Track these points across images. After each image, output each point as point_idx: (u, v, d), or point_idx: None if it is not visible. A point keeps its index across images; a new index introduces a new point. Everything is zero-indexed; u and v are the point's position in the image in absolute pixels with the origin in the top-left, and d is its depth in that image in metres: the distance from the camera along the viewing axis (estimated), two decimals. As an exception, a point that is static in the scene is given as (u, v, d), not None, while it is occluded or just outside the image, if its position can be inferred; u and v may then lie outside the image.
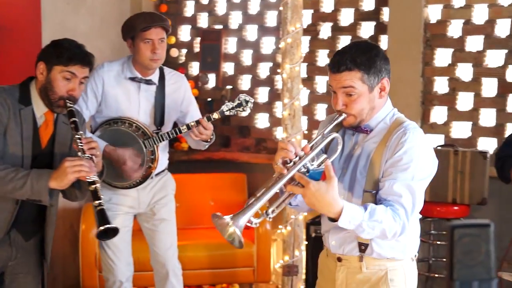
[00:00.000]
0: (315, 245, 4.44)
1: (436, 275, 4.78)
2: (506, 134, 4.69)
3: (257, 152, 5.51)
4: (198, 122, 3.57)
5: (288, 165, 2.28)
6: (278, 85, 5.40)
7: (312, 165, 2.32)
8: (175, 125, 3.86)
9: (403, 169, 2.33)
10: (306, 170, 2.30)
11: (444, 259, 4.70)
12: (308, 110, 5.30)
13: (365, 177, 2.41)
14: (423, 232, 4.77)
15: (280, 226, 4.61)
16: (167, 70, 3.87)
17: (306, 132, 5.18)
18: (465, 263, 1.21)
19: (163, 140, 3.68)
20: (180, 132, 3.65)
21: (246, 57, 5.66)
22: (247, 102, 3.61)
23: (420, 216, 2.56)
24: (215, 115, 3.57)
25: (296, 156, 2.29)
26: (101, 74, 3.70)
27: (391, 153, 2.37)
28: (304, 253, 4.66)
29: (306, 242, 4.70)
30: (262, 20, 5.55)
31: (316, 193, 2.21)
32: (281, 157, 2.29)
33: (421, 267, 4.76)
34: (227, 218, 2.21)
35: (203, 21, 5.81)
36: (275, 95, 5.46)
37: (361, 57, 2.37)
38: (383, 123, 2.46)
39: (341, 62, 2.37)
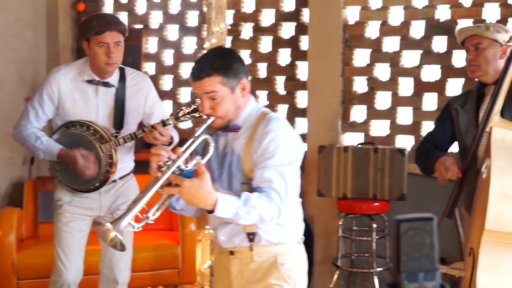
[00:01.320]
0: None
1: (359, 270, 4.90)
2: (422, 132, 4.87)
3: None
4: (153, 127, 3.53)
5: (163, 168, 2.38)
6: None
7: (187, 167, 2.43)
8: (142, 126, 3.79)
9: (271, 156, 2.50)
10: (180, 172, 2.41)
11: (367, 254, 4.83)
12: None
13: (240, 171, 2.56)
14: (345, 228, 4.89)
15: (207, 227, 4.60)
16: (128, 71, 3.81)
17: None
18: (411, 255, 1.27)
19: (120, 144, 3.63)
20: (136, 137, 3.61)
21: (168, 57, 5.63)
22: None
23: (300, 199, 2.73)
24: (170, 121, 3.53)
25: (169, 160, 2.40)
26: (57, 78, 3.64)
27: (259, 144, 2.53)
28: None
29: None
30: (183, 19, 5.54)
31: (191, 189, 2.33)
32: (155, 162, 2.38)
33: (344, 262, 4.87)
34: (108, 224, 2.31)
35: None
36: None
37: (218, 61, 2.53)
38: (251, 118, 2.63)
39: (200, 69, 2.52)
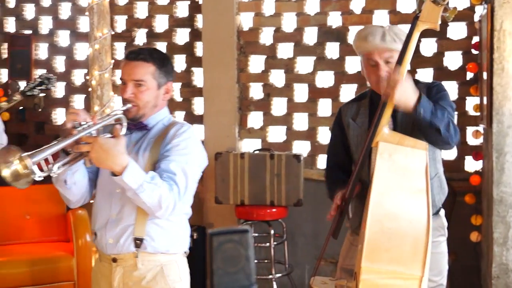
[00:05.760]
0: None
1: (259, 277, 4.88)
2: (318, 137, 4.92)
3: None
4: None
5: (78, 128, 2.37)
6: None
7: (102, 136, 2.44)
8: None
9: (180, 154, 2.52)
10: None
11: (266, 260, 4.83)
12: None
13: (144, 165, 2.53)
14: (243, 235, 4.89)
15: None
16: None
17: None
18: (226, 270, 1.23)
19: None
20: None
21: (59, 63, 5.47)
22: (49, 79, 3.47)
23: (190, 213, 2.69)
24: (16, 97, 3.40)
25: (85, 123, 2.39)
26: None
27: (170, 141, 2.55)
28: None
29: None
30: (74, 25, 5.38)
31: (105, 145, 2.34)
32: (71, 121, 2.38)
33: (243, 269, 4.86)
34: (23, 153, 2.25)
35: (10, 25, 5.51)
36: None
37: (157, 54, 2.63)
38: (161, 124, 2.64)
39: (139, 52, 2.60)
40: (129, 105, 2.55)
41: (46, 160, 2.31)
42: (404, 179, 2.56)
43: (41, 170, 2.30)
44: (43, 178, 2.30)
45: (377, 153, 2.61)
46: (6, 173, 2.25)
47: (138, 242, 2.55)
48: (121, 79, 2.60)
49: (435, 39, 4.64)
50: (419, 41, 4.57)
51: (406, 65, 2.67)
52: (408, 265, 2.46)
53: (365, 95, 3.03)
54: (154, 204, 2.44)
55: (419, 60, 4.66)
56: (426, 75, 4.68)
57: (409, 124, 2.79)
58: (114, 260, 2.59)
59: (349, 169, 2.99)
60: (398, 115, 2.81)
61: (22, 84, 5.38)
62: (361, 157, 2.75)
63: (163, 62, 2.61)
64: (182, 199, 2.53)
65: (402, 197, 2.54)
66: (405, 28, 2.79)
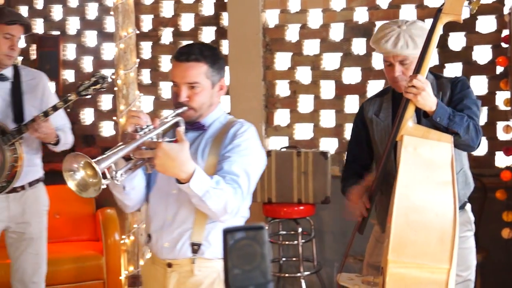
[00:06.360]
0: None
1: (287, 275, 4.88)
2: (345, 134, 4.88)
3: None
4: (33, 120, 3.41)
5: (139, 133, 2.25)
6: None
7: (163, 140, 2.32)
8: None
9: (242, 154, 2.39)
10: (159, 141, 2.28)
11: (294, 258, 4.81)
12: (153, 117, 5.21)
13: (204, 167, 2.40)
14: (272, 233, 4.87)
15: (123, 236, 4.51)
16: (21, 67, 3.74)
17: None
18: (241, 267, 1.20)
19: (21, 133, 3.47)
20: (21, 131, 3.46)
21: (87, 63, 5.50)
22: (103, 78, 3.45)
23: (248, 216, 2.55)
24: (72, 97, 3.41)
25: (147, 127, 2.27)
26: None
27: (230, 141, 2.42)
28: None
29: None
30: (101, 25, 5.42)
31: (170, 152, 2.20)
32: (132, 124, 2.27)
33: (272, 267, 4.84)
34: (91, 159, 2.12)
35: (38, 27, 5.57)
36: (118, 102, 5.34)
37: (208, 52, 2.44)
38: (218, 122, 2.52)
39: (190, 52, 2.42)
40: (185, 108, 2.42)
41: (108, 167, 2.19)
42: (429, 172, 2.55)
43: (105, 177, 2.17)
44: (105, 186, 2.18)
45: (401, 147, 2.59)
46: (72, 183, 2.16)
47: (196, 248, 2.42)
48: (172, 81, 2.46)
49: (463, 33, 4.57)
50: (447, 35, 4.55)
51: (429, 60, 2.67)
52: (435, 257, 2.44)
53: (387, 90, 3.04)
54: (220, 209, 2.32)
55: (447, 55, 4.59)
56: (454, 69, 4.61)
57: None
58: (169, 265, 2.46)
59: (369, 164, 3.01)
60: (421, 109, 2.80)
61: (51, 85, 5.44)
62: (386, 151, 2.75)
63: (214, 59, 2.45)
64: (244, 201, 2.41)
65: (428, 190, 2.52)
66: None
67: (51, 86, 5.44)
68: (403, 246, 2.44)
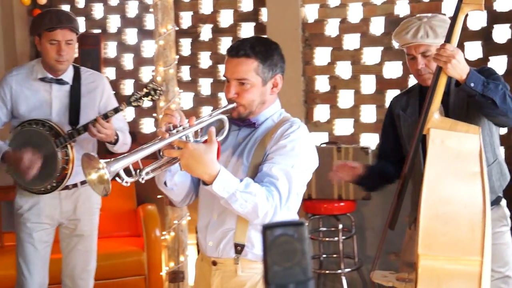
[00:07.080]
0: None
1: (328, 272, 4.85)
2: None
3: (144, 157, 5.38)
4: (95, 121, 3.44)
5: (171, 131, 2.25)
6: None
7: (197, 141, 2.30)
8: None
9: (285, 156, 2.33)
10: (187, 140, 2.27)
11: (335, 255, 4.78)
12: (193, 114, 5.22)
13: (248, 167, 2.39)
14: (312, 229, 4.84)
15: (164, 232, 4.54)
16: (84, 69, 3.77)
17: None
18: (281, 264, 1.17)
19: (74, 137, 3.52)
20: (79, 132, 3.51)
21: (127, 61, 5.54)
22: (155, 90, 3.47)
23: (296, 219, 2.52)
24: (122, 107, 3.44)
25: (180, 126, 2.26)
26: (9, 80, 3.62)
27: (275, 142, 2.37)
28: (190, 259, 4.61)
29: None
30: (141, 23, 5.45)
31: (194, 152, 2.19)
32: (165, 123, 2.26)
33: (313, 264, 4.82)
34: (102, 161, 2.15)
35: (80, 25, 5.60)
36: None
37: (260, 47, 2.39)
38: (271, 120, 2.46)
39: (240, 47, 2.38)
40: (233, 105, 2.39)
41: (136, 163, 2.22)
42: (457, 164, 2.50)
43: (129, 175, 2.20)
44: (129, 184, 2.21)
45: (428, 140, 2.56)
46: (93, 180, 2.19)
47: (239, 248, 2.42)
48: (224, 76, 2.44)
49: (508, 25, 4.45)
50: (491, 27, 4.45)
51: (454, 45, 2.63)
52: (466, 250, 2.39)
53: (414, 87, 3.05)
54: (249, 212, 2.28)
55: (491, 47, 4.49)
56: (499, 63, 4.51)
57: (463, 109, 2.76)
58: (214, 263, 2.47)
59: (398, 159, 2.98)
60: (450, 101, 2.80)
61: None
62: (413, 145, 2.72)
63: (267, 55, 2.38)
64: (285, 205, 2.34)
65: (456, 182, 2.49)
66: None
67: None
68: (433, 239, 2.40)
